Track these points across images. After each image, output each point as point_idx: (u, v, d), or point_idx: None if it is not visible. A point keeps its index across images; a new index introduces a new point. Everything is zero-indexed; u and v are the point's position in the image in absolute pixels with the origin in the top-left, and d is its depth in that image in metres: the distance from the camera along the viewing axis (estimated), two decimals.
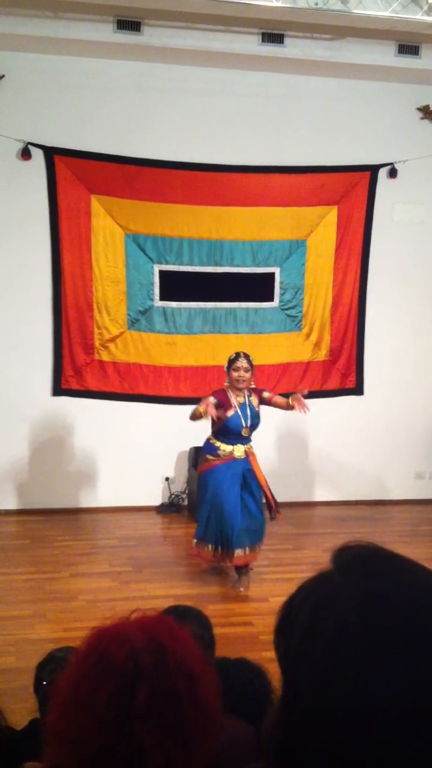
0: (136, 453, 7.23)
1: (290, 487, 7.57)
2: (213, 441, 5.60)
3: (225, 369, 5.60)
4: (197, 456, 6.97)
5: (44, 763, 1.08)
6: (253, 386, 5.63)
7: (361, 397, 7.67)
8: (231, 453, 5.52)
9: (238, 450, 5.55)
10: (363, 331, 7.59)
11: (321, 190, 7.28)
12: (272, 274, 7.34)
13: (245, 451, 5.59)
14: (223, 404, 5.43)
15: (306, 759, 0.81)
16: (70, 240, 6.96)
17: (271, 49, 6.62)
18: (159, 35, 6.45)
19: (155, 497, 7.37)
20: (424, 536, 6.69)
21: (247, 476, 5.59)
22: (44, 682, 2.42)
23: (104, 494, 7.27)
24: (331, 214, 7.37)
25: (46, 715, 1.07)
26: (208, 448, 5.63)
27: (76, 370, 7.09)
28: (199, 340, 7.30)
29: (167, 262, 7.14)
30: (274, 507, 5.70)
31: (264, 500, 5.70)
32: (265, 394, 5.65)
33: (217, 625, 2.70)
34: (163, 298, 7.18)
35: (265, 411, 7.36)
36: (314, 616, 0.86)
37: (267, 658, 2.24)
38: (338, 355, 7.58)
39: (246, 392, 5.53)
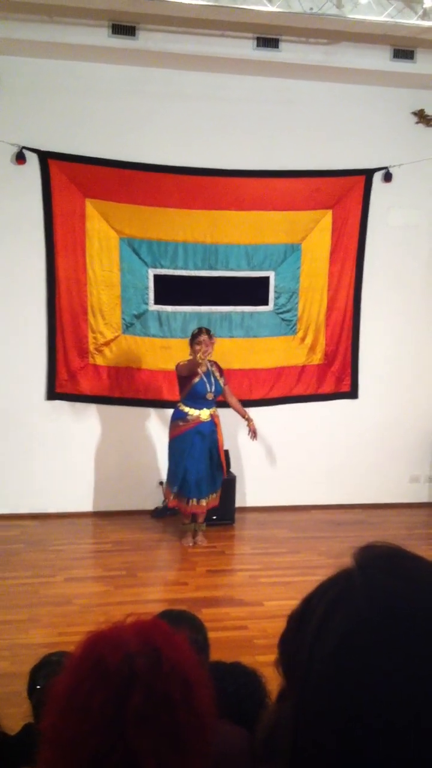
0: (130, 457, 7.23)
1: (285, 490, 7.59)
2: (182, 407, 6.31)
3: (189, 342, 6.26)
4: None
5: None
6: (214, 361, 6.39)
7: (356, 400, 7.68)
8: (198, 416, 6.26)
9: (204, 413, 6.27)
10: (358, 335, 7.61)
11: (316, 194, 7.29)
12: (267, 278, 7.35)
13: (210, 414, 6.31)
14: (192, 373, 6.19)
15: (317, 760, 0.81)
16: (64, 244, 6.96)
17: (266, 54, 6.63)
18: (154, 40, 6.46)
19: (149, 501, 7.36)
20: (420, 540, 6.69)
21: (213, 437, 6.37)
22: (38, 687, 2.41)
23: (98, 498, 7.26)
24: (326, 218, 7.38)
25: (41, 720, 1.07)
26: (177, 414, 6.34)
27: (70, 374, 7.08)
28: None
29: (162, 266, 7.14)
30: (224, 467, 6.56)
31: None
32: (223, 379, 6.45)
33: (211, 629, 2.69)
34: (157, 302, 7.18)
35: (263, 415, 7.41)
36: (330, 610, 0.85)
37: (261, 662, 2.24)
38: (333, 359, 7.58)
39: (208, 363, 6.21)
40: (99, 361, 7.14)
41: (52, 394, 7.09)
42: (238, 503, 7.17)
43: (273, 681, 1.11)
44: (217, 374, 6.34)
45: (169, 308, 7.22)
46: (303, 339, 7.51)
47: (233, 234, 7.19)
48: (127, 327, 7.17)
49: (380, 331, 7.62)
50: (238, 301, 7.32)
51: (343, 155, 7.29)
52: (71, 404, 7.12)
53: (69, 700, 1.04)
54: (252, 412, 7.33)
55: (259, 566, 6.09)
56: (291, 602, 1.04)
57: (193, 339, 6.18)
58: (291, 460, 7.56)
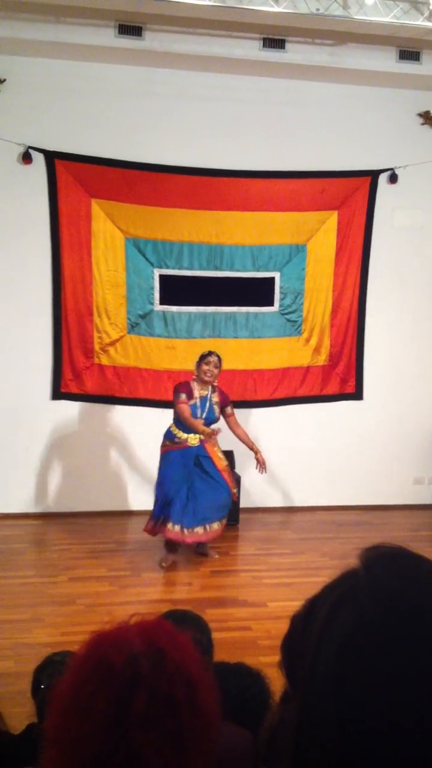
0: (135, 457, 7.24)
1: (289, 491, 7.58)
2: (172, 429, 6.02)
3: (195, 363, 6.05)
4: None
5: None
6: (219, 388, 6.14)
7: (361, 402, 7.68)
8: (186, 440, 5.93)
9: (193, 438, 5.94)
10: (363, 336, 7.60)
11: (321, 195, 7.29)
12: (272, 279, 7.35)
13: (199, 439, 5.94)
14: (188, 394, 5.95)
15: (319, 762, 0.81)
16: (70, 244, 6.97)
17: (273, 55, 6.64)
18: (160, 40, 6.46)
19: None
20: (424, 541, 6.68)
21: (202, 461, 5.96)
22: (42, 686, 2.42)
23: (103, 498, 7.27)
24: (332, 219, 7.38)
25: (45, 720, 1.07)
26: (167, 434, 6.06)
27: (75, 374, 7.09)
28: (199, 345, 7.28)
29: (167, 267, 7.14)
30: (232, 488, 6.12)
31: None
32: (229, 409, 6.18)
33: (215, 630, 2.69)
34: (163, 302, 7.19)
35: (267, 416, 7.40)
36: (335, 610, 0.85)
37: (265, 663, 2.24)
38: (338, 360, 7.58)
39: (210, 388, 6.00)
40: (104, 360, 7.15)
41: (58, 393, 7.10)
42: (242, 504, 7.16)
43: (277, 682, 1.11)
44: (215, 401, 6.03)
45: (174, 308, 7.23)
46: (308, 340, 7.50)
47: (238, 234, 7.20)
48: (133, 327, 7.18)
49: (385, 332, 7.62)
50: (243, 301, 7.32)
51: (348, 156, 7.28)
52: (76, 404, 7.12)
53: (72, 701, 1.04)
54: (256, 412, 7.36)
55: (263, 567, 6.09)
56: (294, 603, 1.04)
57: (202, 359, 6.01)
58: (295, 461, 7.56)
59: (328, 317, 7.52)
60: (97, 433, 7.20)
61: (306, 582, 5.57)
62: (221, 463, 6.04)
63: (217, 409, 6.02)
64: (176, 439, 5.96)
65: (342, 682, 0.80)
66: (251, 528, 7.09)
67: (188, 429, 5.91)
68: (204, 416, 5.92)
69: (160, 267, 7.14)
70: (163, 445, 6.06)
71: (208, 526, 6.01)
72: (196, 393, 5.92)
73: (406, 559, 0.90)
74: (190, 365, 7.20)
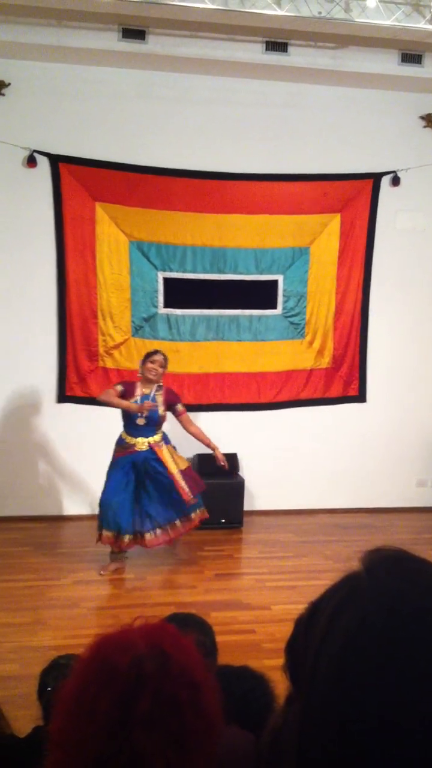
0: None
1: (292, 494, 7.58)
2: (123, 434, 5.93)
3: (140, 361, 6.00)
4: (200, 464, 6.99)
5: None
6: (167, 388, 6.04)
7: (364, 404, 7.68)
8: (134, 445, 5.86)
9: (141, 443, 5.86)
10: (366, 338, 7.60)
11: (324, 198, 7.30)
12: (275, 282, 7.36)
13: (149, 444, 5.86)
14: (128, 393, 5.86)
15: (322, 762, 0.81)
16: (74, 247, 6.99)
17: (275, 58, 6.65)
18: (163, 44, 6.48)
19: None
20: (426, 544, 6.67)
21: (154, 465, 5.84)
22: (49, 689, 2.42)
23: None
24: (334, 222, 7.39)
25: (50, 723, 1.07)
26: (118, 440, 5.97)
27: (80, 377, 7.10)
28: (203, 348, 7.31)
29: (171, 270, 7.16)
30: (184, 495, 5.88)
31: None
32: (179, 407, 6.02)
33: (219, 633, 2.69)
34: (167, 305, 7.20)
35: (271, 419, 7.40)
36: (337, 612, 0.86)
37: (269, 666, 2.24)
38: (341, 362, 7.58)
39: (155, 387, 5.89)
40: (108, 364, 7.16)
41: (62, 396, 7.11)
42: (245, 507, 7.17)
43: (280, 685, 1.12)
44: (160, 401, 5.88)
45: (178, 311, 7.24)
46: (311, 343, 7.51)
47: (242, 237, 7.21)
48: (137, 330, 7.19)
49: (388, 334, 7.62)
50: (246, 304, 7.33)
51: (351, 159, 7.29)
52: (81, 407, 7.13)
53: (76, 703, 1.05)
54: (259, 415, 7.37)
55: (266, 570, 6.09)
56: (298, 606, 1.05)
57: (147, 356, 5.90)
58: (298, 463, 7.56)
59: (331, 320, 7.52)
60: (102, 436, 7.19)
61: (309, 585, 5.58)
62: (172, 467, 5.87)
63: (161, 408, 5.85)
64: (125, 444, 5.87)
65: (343, 683, 0.81)
66: (254, 531, 7.09)
67: (134, 432, 5.83)
68: (145, 415, 5.78)
69: (164, 270, 7.15)
70: (114, 452, 5.96)
71: (168, 528, 5.92)
72: (138, 391, 5.84)
73: (408, 562, 0.91)
74: (194, 368, 7.24)
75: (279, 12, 5.83)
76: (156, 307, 7.20)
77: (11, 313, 6.96)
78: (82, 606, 5.31)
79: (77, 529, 6.90)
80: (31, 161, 6.76)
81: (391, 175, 7.38)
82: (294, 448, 7.54)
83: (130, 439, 5.85)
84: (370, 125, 7.30)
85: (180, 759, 1.01)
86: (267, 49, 6.63)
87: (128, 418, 5.85)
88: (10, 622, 4.99)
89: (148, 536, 5.84)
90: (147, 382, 5.87)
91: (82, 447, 7.14)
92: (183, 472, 5.92)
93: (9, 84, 6.65)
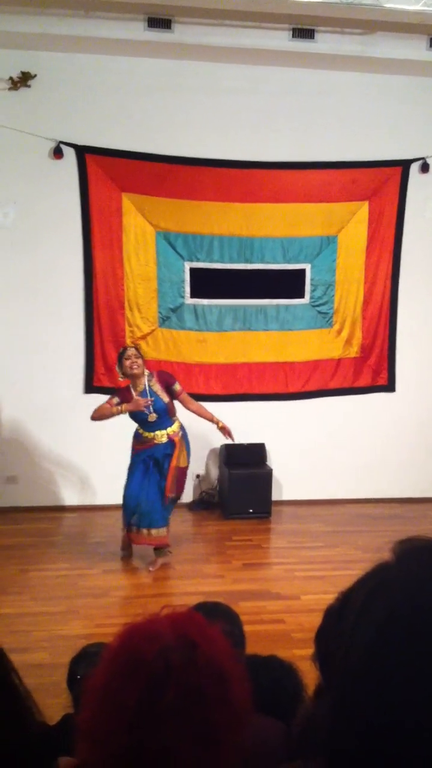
0: None
1: (321, 484, 7.57)
2: (139, 429, 5.83)
3: (117, 368, 5.78)
4: (228, 454, 6.99)
5: (76, 759, 1.09)
6: (156, 372, 5.85)
7: (393, 394, 7.63)
8: (153, 438, 5.76)
9: (160, 435, 5.75)
10: (395, 327, 7.55)
11: (352, 186, 7.24)
12: (303, 271, 7.32)
13: (168, 435, 5.76)
14: (125, 400, 5.66)
15: (354, 752, 0.81)
16: (101, 238, 7.00)
17: (302, 45, 6.60)
18: (190, 33, 6.45)
19: (186, 494, 7.36)
20: None
21: (163, 461, 5.76)
22: (78, 677, 2.44)
23: None
24: (363, 210, 7.33)
25: (78, 713, 1.08)
26: (135, 435, 5.88)
27: (107, 368, 7.12)
28: (230, 338, 7.30)
29: (198, 260, 7.15)
30: (167, 492, 5.78)
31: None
32: (176, 387, 5.81)
33: (247, 623, 2.69)
34: (193, 295, 7.20)
35: (299, 408, 7.38)
36: (368, 602, 0.86)
37: (298, 656, 2.24)
38: (369, 352, 7.53)
39: (146, 378, 5.70)
40: None
41: (90, 387, 7.15)
42: (274, 497, 7.16)
43: (310, 675, 1.11)
44: (158, 388, 5.72)
45: (205, 302, 7.23)
46: (339, 332, 7.47)
47: (269, 227, 7.18)
48: (164, 320, 7.20)
49: (418, 323, 7.56)
50: (273, 294, 7.30)
51: (379, 146, 7.23)
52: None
53: (104, 693, 1.05)
54: (287, 405, 7.35)
55: (296, 560, 6.08)
56: (328, 596, 1.04)
57: (120, 359, 5.68)
58: (327, 453, 7.54)
59: (360, 309, 7.47)
60: (130, 427, 7.21)
61: (339, 575, 5.56)
62: (173, 462, 5.76)
63: (163, 395, 5.70)
64: (143, 439, 5.77)
65: (374, 675, 0.80)
66: (283, 521, 7.08)
67: (150, 428, 5.72)
68: (152, 410, 5.65)
69: (191, 260, 7.15)
70: (132, 445, 5.90)
71: (152, 531, 5.82)
72: (134, 392, 5.65)
73: None
74: (221, 358, 7.23)
75: None
76: (183, 297, 7.20)
77: (39, 304, 7.00)
78: (112, 595, 5.34)
79: (107, 519, 6.94)
80: (57, 152, 6.78)
81: (420, 161, 7.30)
82: (322, 437, 7.51)
83: (147, 434, 5.76)
84: (398, 112, 7.23)
85: (207, 750, 1.01)
86: (294, 36, 6.57)
87: (138, 419, 5.73)
88: (43, 611, 5.04)
89: (143, 532, 5.78)
90: (136, 379, 5.66)
91: (110, 437, 7.16)
92: (179, 470, 5.85)
93: (35, 75, 6.67)
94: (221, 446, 7.15)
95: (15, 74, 6.64)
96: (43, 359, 7.04)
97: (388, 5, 5.88)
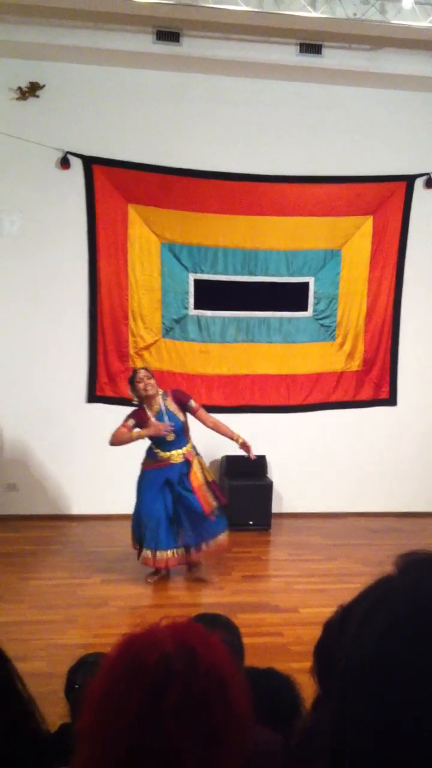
0: None
1: (321, 497, 7.56)
2: (154, 448, 5.71)
3: (130, 391, 5.74)
4: (228, 465, 6.99)
5: (75, 766, 1.09)
6: (169, 391, 5.78)
7: (394, 407, 7.63)
8: (168, 458, 5.65)
9: (176, 455, 5.66)
10: (397, 341, 7.56)
11: (357, 200, 7.27)
12: (306, 284, 7.34)
13: (183, 455, 5.67)
14: (142, 422, 5.58)
15: (358, 763, 0.81)
16: (106, 248, 7.03)
17: (309, 60, 6.64)
18: (198, 46, 6.50)
19: None
20: None
21: (184, 482, 5.65)
22: (76, 686, 2.44)
23: None
24: (367, 224, 7.35)
25: (77, 720, 1.08)
26: (149, 452, 5.75)
27: (110, 378, 7.14)
28: (233, 349, 7.31)
29: (202, 271, 7.17)
30: (205, 507, 5.64)
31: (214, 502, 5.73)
32: (192, 403, 5.73)
33: (246, 635, 2.69)
34: (197, 306, 7.22)
35: (300, 421, 7.38)
36: (369, 613, 0.86)
37: (296, 668, 2.24)
38: (372, 365, 7.54)
39: (161, 398, 5.64)
40: (138, 364, 7.17)
41: (93, 396, 7.16)
42: (274, 509, 7.15)
43: (308, 688, 1.11)
44: (174, 407, 5.66)
45: (208, 313, 7.25)
46: (342, 345, 7.48)
47: (273, 239, 7.20)
48: (167, 331, 7.21)
49: (420, 338, 7.57)
50: (277, 306, 7.32)
51: (384, 161, 7.26)
52: (111, 407, 7.16)
53: (105, 699, 1.05)
54: (289, 417, 7.35)
55: (295, 573, 6.07)
56: (326, 609, 1.04)
57: (132, 382, 5.66)
58: (328, 466, 7.53)
59: (363, 322, 7.49)
60: None
61: (338, 588, 5.56)
62: (196, 479, 5.65)
63: (179, 413, 5.65)
64: (158, 458, 5.66)
65: (376, 686, 0.81)
66: (283, 533, 7.08)
67: (166, 447, 5.63)
68: (173, 429, 5.57)
69: (195, 272, 7.17)
70: (144, 464, 5.78)
71: (192, 550, 5.72)
72: (150, 413, 5.58)
73: None
74: (224, 369, 7.24)
75: (313, 14, 5.82)
76: (186, 308, 7.21)
77: (43, 312, 7.02)
78: (110, 605, 5.33)
79: (107, 529, 6.94)
80: (64, 162, 6.81)
81: (425, 177, 7.33)
82: (323, 450, 7.51)
83: (164, 454, 5.65)
84: (403, 127, 7.26)
85: (211, 753, 1.01)
86: (301, 51, 6.61)
87: (156, 438, 5.63)
88: (41, 619, 5.03)
89: (147, 552, 5.66)
90: (149, 400, 5.62)
91: (113, 447, 7.16)
92: (209, 484, 5.75)
93: (44, 86, 6.71)
94: (222, 458, 7.15)
95: (24, 84, 6.69)
96: (46, 368, 7.05)
97: (395, 21, 5.91)
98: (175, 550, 5.65)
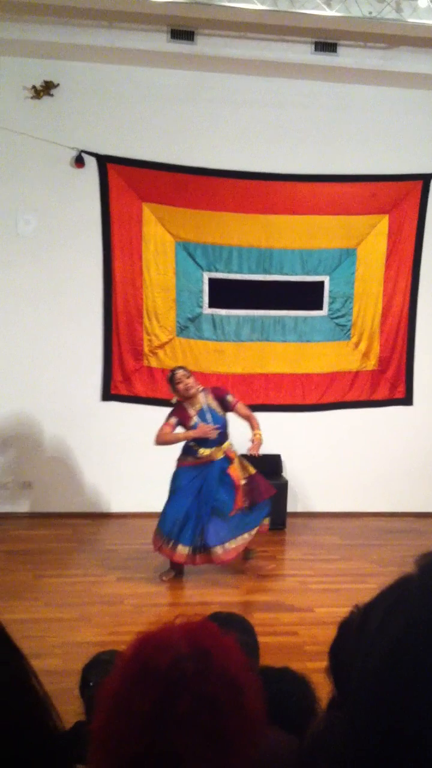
0: None
1: (337, 496, 7.54)
2: (193, 445, 5.68)
3: (171, 390, 5.71)
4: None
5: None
6: (207, 388, 5.77)
7: (410, 407, 7.60)
8: (210, 456, 5.64)
9: (216, 451, 5.65)
10: (413, 341, 7.52)
11: (372, 199, 7.24)
12: (321, 283, 7.32)
13: (224, 452, 5.67)
14: (183, 420, 5.60)
15: (373, 763, 0.80)
16: (121, 247, 7.04)
17: (324, 59, 6.62)
18: (212, 45, 6.49)
19: None
20: None
21: (224, 477, 5.62)
22: (90, 684, 2.44)
23: (152, 499, 7.27)
24: (382, 223, 7.33)
25: (91, 721, 1.08)
26: (187, 449, 5.72)
27: (125, 376, 7.15)
28: (247, 348, 7.31)
29: (216, 270, 7.17)
30: (237, 506, 5.61)
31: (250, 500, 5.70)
32: (229, 398, 5.72)
33: (261, 634, 2.69)
34: (212, 305, 7.21)
35: (315, 420, 7.36)
36: (387, 615, 0.85)
37: (311, 668, 2.23)
38: (387, 365, 7.51)
39: (202, 396, 5.64)
40: (153, 363, 7.20)
41: (108, 395, 7.17)
42: (289, 509, 7.14)
43: (322, 688, 1.11)
44: (215, 404, 5.65)
45: (223, 312, 7.25)
46: (357, 344, 7.45)
47: (288, 238, 7.19)
48: (182, 330, 7.22)
49: None
50: (292, 305, 7.31)
51: (400, 160, 7.23)
52: (126, 405, 7.18)
53: (117, 702, 1.05)
54: (304, 416, 7.33)
55: (310, 572, 6.06)
56: (342, 609, 1.04)
57: (171, 383, 5.64)
58: (343, 466, 7.51)
59: (378, 322, 7.46)
60: (147, 435, 7.22)
61: (354, 588, 5.54)
62: (236, 475, 5.65)
63: (219, 410, 5.65)
64: (198, 455, 5.64)
65: (392, 689, 0.80)
66: (298, 533, 7.06)
67: (207, 444, 5.61)
68: (215, 424, 5.58)
69: (210, 270, 7.17)
70: (183, 459, 5.74)
71: (238, 540, 5.67)
72: (192, 411, 5.60)
73: None
74: (239, 368, 7.24)
75: (329, 12, 5.80)
76: (201, 307, 7.22)
77: (58, 312, 7.04)
78: (125, 603, 5.34)
79: (122, 527, 6.95)
80: (79, 161, 6.83)
81: None
82: (339, 450, 7.49)
83: (203, 451, 5.62)
84: (420, 126, 7.23)
85: (220, 760, 1.01)
86: (316, 49, 6.59)
87: (198, 438, 5.61)
88: (56, 617, 5.04)
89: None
90: (190, 399, 5.62)
91: (127, 445, 7.19)
92: (250, 478, 5.71)
93: (58, 85, 6.73)
94: (238, 456, 7.14)
95: (38, 83, 6.71)
96: (61, 366, 7.07)
97: (410, 20, 5.88)
98: (194, 548, 5.62)
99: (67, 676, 2.69)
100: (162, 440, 5.61)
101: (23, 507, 7.18)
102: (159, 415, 7.15)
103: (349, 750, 0.84)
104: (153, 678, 1.03)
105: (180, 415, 5.63)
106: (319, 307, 7.35)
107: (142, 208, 7.01)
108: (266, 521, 5.83)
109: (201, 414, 5.60)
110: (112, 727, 1.04)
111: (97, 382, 7.16)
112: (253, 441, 5.70)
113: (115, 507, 7.26)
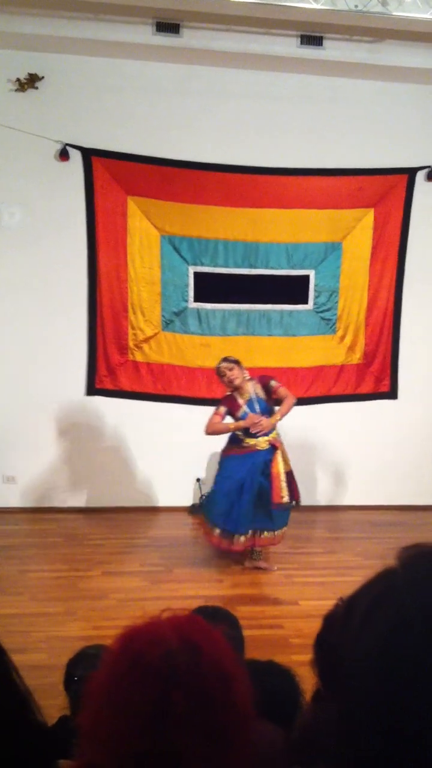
0: (169, 454, 7.26)
1: (323, 490, 7.56)
2: (239, 434, 5.73)
3: (221, 381, 5.76)
4: None
5: (77, 763, 1.09)
6: (253, 377, 5.80)
7: (395, 401, 7.62)
8: (255, 445, 5.67)
9: (262, 442, 5.68)
10: (398, 334, 7.55)
11: (358, 193, 7.24)
12: (307, 277, 7.32)
13: (269, 442, 5.69)
14: (233, 409, 5.68)
15: (364, 759, 0.80)
16: (106, 241, 7.01)
17: (310, 52, 6.61)
18: (198, 37, 6.47)
19: (187, 498, 7.39)
20: None
21: (267, 468, 5.67)
22: (76, 678, 2.44)
23: (136, 494, 7.30)
24: (368, 217, 7.33)
25: (79, 715, 1.07)
26: (233, 438, 5.79)
27: (110, 370, 7.13)
28: (233, 342, 7.30)
29: (202, 264, 7.15)
30: (275, 499, 5.67)
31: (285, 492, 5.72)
32: (272, 383, 5.77)
33: (246, 627, 2.69)
34: (197, 299, 7.20)
35: (301, 414, 7.37)
36: (372, 608, 0.85)
37: (296, 661, 2.24)
38: (372, 358, 7.53)
39: (250, 386, 5.72)
40: (138, 357, 7.18)
41: (92, 389, 7.15)
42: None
43: (308, 680, 1.11)
44: (263, 394, 5.71)
45: (208, 306, 7.24)
46: (342, 338, 7.47)
47: (274, 232, 7.18)
48: (167, 324, 7.20)
49: (422, 331, 7.56)
50: (277, 299, 7.31)
51: (385, 153, 7.23)
52: (110, 400, 7.16)
53: (109, 698, 1.04)
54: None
55: (296, 565, 6.08)
56: (327, 602, 1.04)
57: (219, 376, 5.72)
58: (329, 460, 7.53)
59: (363, 316, 7.48)
60: (131, 430, 7.23)
61: (339, 581, 5.56)
62: (276, 468, 5.69)
63: (268, 400, 5.72)
64: (244, 444, 5.69)
65: (384, 681, 0.80)
66: None
67: (254, 434, 5.63)
68: (262, 413, 5.64)
69: (195, 264, 7.15)
70: (229, 448, 5.81)
71: (257, 534, 5.80)
72: (240, 400, 5.67)
73: None
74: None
75: (315, 5, 5.79)
76: (186, 301, 7.20)
77: (42, 305, 7.01)
78: (111, 597, 5.34)
79: (107, 521, 6.94)
80: (63, 155, 6.79)
81: (427, 169, 7.30)
82: (324, 444, 7.51)
83: (249, 440, 5.67)
84: (405, 120, 7.23)
85: (216, 753, 1.01)
86: (302, 42, 6.58)
87: (246, 428, 5.65)
88: (41, 611, 5.04)
89: (215, 531, 5.75)
90: (241, 388, 5.68)
91: (111, 440, 7.18)
92: (288, 474, 5.75)
93: (43, 77, 6.68)
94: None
95: (22, 76, 6.66)
96: (46, 360, 7.05)
97: (396, 13, 5.88)
98: (250, 533, 5.73)
99: (53, 670, 2.69)
100: (212, 430, 5.67)
101: (7, 502, 7.15)
102: (144, 409, 7.18)
103: (344, 743, 0.84)
104: (145, 673, 1.03)
105: (229, 404, 5.70)
106: (305, 301, 7.36)
107: (127, 201, 6.98)
108: (283, 531, 5.90)
109: (249, 404, 5.67)
110: (106, 723, 1.03)
111: (82, 375, 7.14)
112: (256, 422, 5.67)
113: (100, 501, 7.25)
